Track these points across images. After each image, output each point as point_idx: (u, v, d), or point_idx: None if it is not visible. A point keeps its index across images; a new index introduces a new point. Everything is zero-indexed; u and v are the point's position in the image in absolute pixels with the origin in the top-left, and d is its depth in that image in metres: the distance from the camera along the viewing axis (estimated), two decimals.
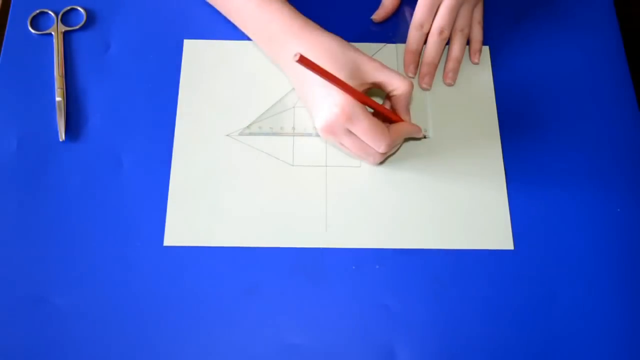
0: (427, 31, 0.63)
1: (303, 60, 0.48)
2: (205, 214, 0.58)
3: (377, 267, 0.57)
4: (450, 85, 0.64)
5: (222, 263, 0.56)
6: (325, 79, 0.51)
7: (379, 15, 0.67)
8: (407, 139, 0.61)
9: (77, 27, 0.66)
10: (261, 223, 0.58)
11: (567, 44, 0.67)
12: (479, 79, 0.65)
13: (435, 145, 0.62)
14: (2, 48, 0.65)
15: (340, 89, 0.52)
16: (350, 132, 0.54)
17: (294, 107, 0.63)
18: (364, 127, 0.53)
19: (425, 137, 0.62)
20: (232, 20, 0.63)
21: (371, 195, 0.59)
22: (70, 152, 0.60)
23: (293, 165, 0.61)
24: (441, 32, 0.62)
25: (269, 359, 0.53)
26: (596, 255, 0.58)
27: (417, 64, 0.64)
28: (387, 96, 0.58)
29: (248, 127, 0.62)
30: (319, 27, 0.58)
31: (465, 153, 0.61)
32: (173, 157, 0.60)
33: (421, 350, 0.54)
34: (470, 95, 0.64)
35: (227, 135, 0.62)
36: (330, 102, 0.53)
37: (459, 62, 0.65)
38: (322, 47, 0.55)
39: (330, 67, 0.53)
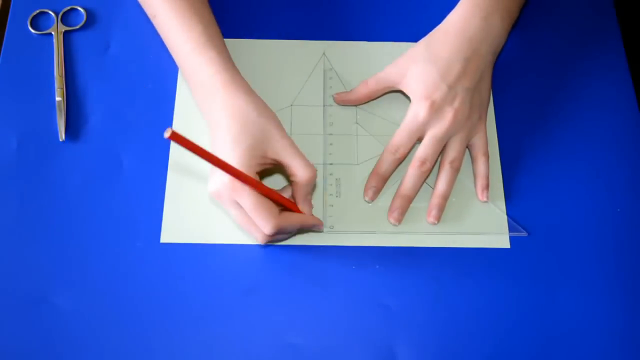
0: (401, 157, 0.58)
1: (175, 137, 0.43)
2: (203, 211, 0.58)
3: (377, 267, 0.57)
4: (433, 224, 0.58)
5: (220, 261, 0.56)
6: (204, 159, 0.46)
7: (340, 97, 0.62)
8: (306, 230, 0.57)
9: (77, 27, 0.66)
10: None
11: (567, 44, 0.67)
12: None
13: None
14: (2, 48, 0.65)
15: (221, 169, 0.48)
16: (238, 203, 0.51)
17: (291, 105, 0.63)
18: (249, 203, 0.50)
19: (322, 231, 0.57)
20: (172, 55, 0.60)
21: None
22: (70, 152, 0.60)
23: None
24: (422, 163, 0.56)
25: (268, 359, 0.53)
26: (595, 255, 0.58)
27: (379, 190, 0.58)
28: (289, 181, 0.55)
29: None
30: (245, 85, 0.55)
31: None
32: (171, 154, 0.60)
33: (421, 350, 0.54)
34: None
35: None
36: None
37: (445, 198, 0.57)
38: (237, 108, 0.53)
39: (238, 130, 0.52)
